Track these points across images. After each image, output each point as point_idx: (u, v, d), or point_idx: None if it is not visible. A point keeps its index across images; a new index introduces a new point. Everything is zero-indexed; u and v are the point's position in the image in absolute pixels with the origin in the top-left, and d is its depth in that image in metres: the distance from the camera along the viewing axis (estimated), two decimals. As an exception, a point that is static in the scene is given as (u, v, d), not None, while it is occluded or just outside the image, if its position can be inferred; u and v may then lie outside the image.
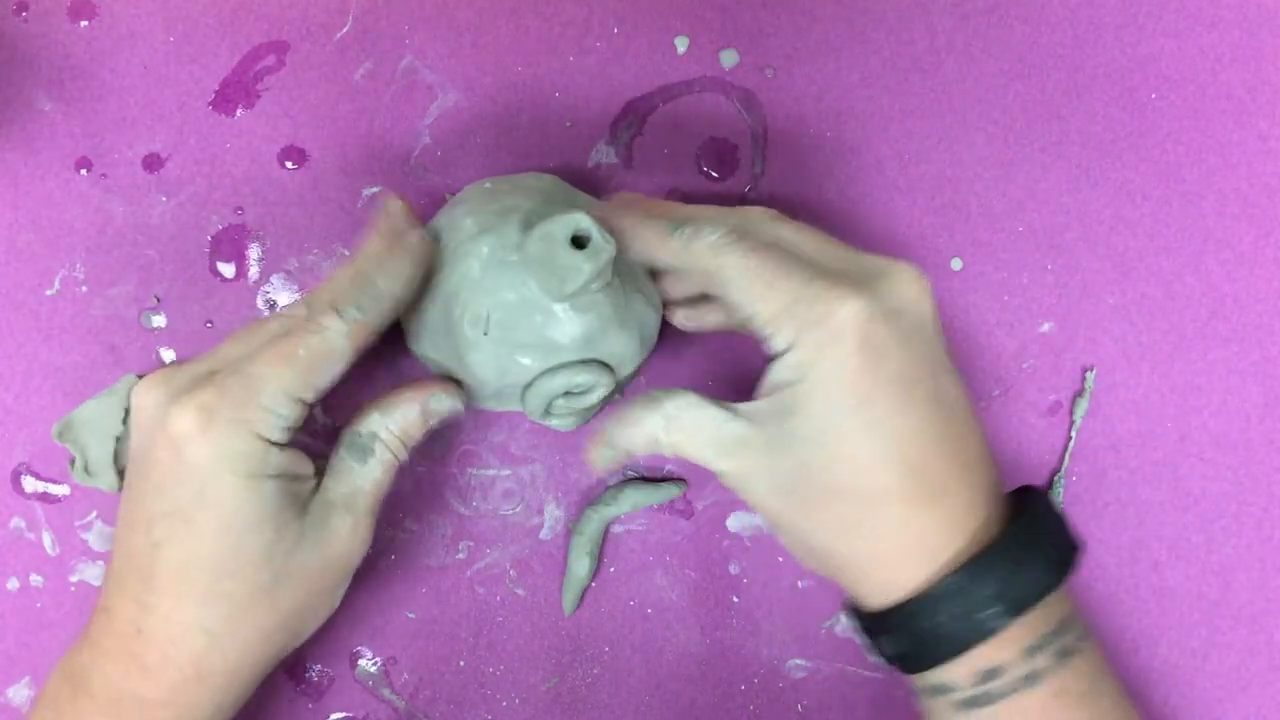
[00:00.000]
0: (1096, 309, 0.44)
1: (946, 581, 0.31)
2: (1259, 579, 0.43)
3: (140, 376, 0.40)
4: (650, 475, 0.43)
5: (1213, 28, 0.45)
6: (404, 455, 0.36)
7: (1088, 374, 0.43)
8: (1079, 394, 0.43)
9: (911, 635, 0.32)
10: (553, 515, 0.43)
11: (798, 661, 0.43)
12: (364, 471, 0.35)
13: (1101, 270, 0.44)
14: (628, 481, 0.43)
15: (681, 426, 0.34)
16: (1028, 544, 0.32)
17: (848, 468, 0.31)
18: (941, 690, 0.32)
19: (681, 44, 0.44)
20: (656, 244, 0.35)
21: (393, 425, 0.35)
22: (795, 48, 0.44)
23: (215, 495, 0.31)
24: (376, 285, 0.34)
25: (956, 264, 0.44)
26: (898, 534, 0.32)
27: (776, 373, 0.32)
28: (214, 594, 0.31)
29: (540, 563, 0.43)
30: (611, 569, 0.43)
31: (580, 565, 0.42)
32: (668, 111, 0.44)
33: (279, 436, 0.32)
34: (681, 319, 0.40)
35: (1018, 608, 0.31)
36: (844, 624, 0.43)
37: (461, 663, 0.42)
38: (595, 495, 0.43)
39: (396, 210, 0.36)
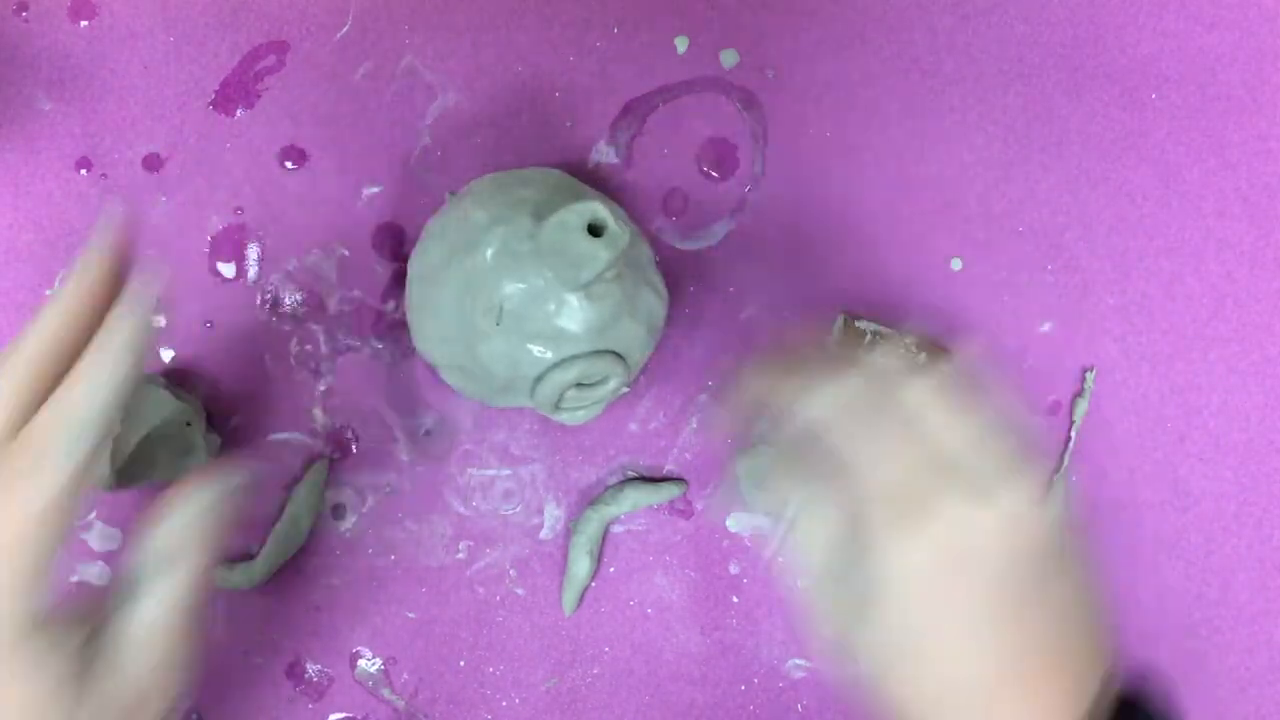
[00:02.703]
0: (1096, 309, 0.44)
1: None
2: (1259, 579, 0.43)
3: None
4: (650, 475, 0.43)
5: (1213, 28, 0.45)
6: (177, 583, 0.28)
7: (1088, 374, 0.43)
8: (1079, 394, 0.43)
9: None
10: (553, 515, 0.43)
11: (798, 661, 0.43)
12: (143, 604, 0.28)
13: (1101, 270, 0.44)
14: (628, 481, 0.43)
15: (801, 527, 0.32)
16: None
17: (932, 669, 0.30)
18: None
19: (681, 44, 0.44)
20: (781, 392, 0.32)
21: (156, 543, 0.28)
22: (795, 48, 0.44)
23: None
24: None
25: (956, 264, 0.44)
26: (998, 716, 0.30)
27: (869, 557, 0.30)
28: None
29: (540, 563, 0.43)
30: (611, 569, 0.43)
31: (580, 565, 0.42)
32: (668, 111, 0.44)
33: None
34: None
35: None
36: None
37: (461, 663, 0.42)
38: (595, 495, 0.43)
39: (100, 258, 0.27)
